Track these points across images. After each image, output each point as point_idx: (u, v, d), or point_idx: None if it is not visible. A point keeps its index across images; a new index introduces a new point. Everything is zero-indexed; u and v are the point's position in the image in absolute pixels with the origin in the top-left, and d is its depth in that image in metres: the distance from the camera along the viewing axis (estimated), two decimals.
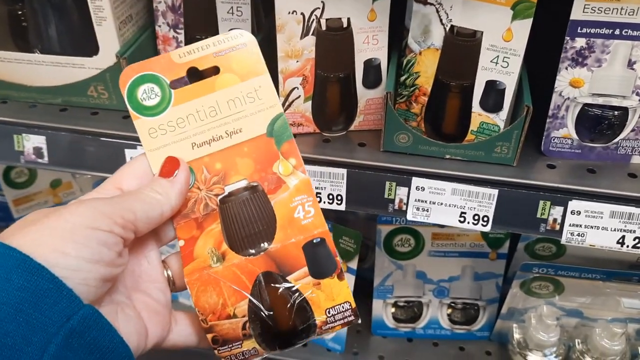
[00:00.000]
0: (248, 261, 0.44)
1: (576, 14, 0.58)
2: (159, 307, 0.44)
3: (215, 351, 0.44)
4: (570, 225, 0.64)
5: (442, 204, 0.66)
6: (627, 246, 0.64)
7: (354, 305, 0.44)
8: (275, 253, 0.44)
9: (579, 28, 0.59)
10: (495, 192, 0.64)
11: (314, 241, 0.44)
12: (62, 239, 0.36)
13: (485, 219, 0.66)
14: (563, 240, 0.65)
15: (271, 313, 0.44)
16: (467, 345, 0.98)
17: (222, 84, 0.45)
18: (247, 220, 0.45)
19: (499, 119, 0.64)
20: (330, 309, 0.44)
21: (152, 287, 0.44)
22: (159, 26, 0.73)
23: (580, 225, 0.64)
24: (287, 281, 0.44)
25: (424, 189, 0.66)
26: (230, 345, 0.44)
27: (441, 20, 0.62)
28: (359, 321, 0.45)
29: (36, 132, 0.71)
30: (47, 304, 0.34)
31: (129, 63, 0.69)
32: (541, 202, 0.64)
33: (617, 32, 0.59)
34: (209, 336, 0.44)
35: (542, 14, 0.59)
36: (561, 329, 0.89)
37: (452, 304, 0.97)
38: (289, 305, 0.44)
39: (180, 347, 0.45)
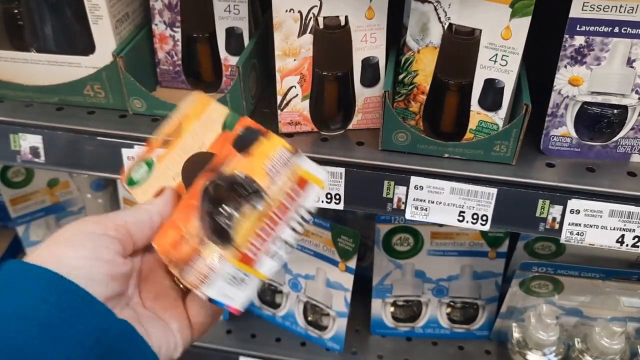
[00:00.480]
0: (191, 188, 0.45)
1: (575, 11, 0.58)
2: (180, 310, 0.46)
3: (183, 281, 0.43)
4: (569, 224, 0.64)
5: (440, 203, 0.66)
6: (627, 245, 0.64)
7: (288, 145, 0.43)
8: (212, 166, 0.45)
9: (578, 26, 0.58)
10: (494, 191, 0.64)
11: (239, 133, 0.45)
12: (62, 246, 0.39)
13: (484, 218, 0.66)
14: (562, 239, 0.64)
15: (224, 209, 0.43)
16: (467, 344, 0.97)
17: (186, 130, 0.49)
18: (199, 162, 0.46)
19: (498, 117, 0.64)
20: (268, 161, 0.43)
21: (172, 295, 0.46)
22: (156, 25, 0.72)
23: (580, 224, 0.64)
24: (221, 173, 0.44)
25: (422, 188, 0.65)
26: (192, 264, 0.43)
27: (439, 18, 0.61)
28: (301, 155, 0.43)
29: (33, 132, 0.71)
30: (81, 321, 0.36)
31: (125, 62, 0.68)
32: (540, 201, 0.63)
33: (616, 30, 0.58)
34: (175, 272, 0.43)
35: (540, 12, 0.58)
36: (560, 328, 0.88)
37: (452, 303, 0.97)
38: (223, 190, 0.43)
39: (205, 330, 0.47)
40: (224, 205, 0.43)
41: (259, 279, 0.43)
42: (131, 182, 0.50)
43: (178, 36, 0.72)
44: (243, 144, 0.44)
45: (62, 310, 0.35)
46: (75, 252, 0.39)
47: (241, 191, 0.43)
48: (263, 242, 0.43)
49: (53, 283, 0.36)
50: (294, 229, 0.43)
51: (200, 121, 0.48)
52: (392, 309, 0.97)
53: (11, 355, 0.34)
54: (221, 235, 0.43)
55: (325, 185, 0.42)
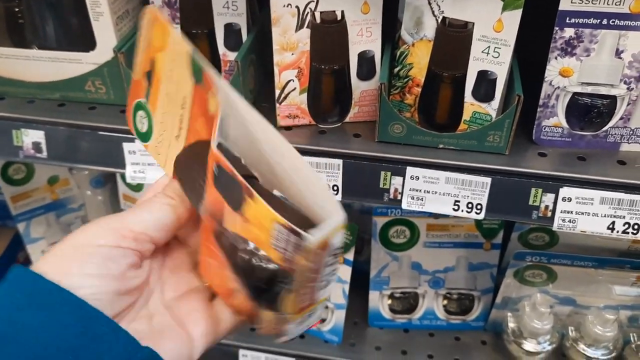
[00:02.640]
0: (203, 234, 0.39)
1: (564, 4, 0.59)
2: (203, 313, 0.42)
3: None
4: (561, 211, 0.65)
5: (436, 192, 0.67)
6: (617, 232, 0.66)
7: (283, 221, 0.32)
8: (207, 206, 0.38)
9: (568, 18, 0.60)
10: (488, 180, 0.66)
11: (215, 173, 0.36)
12: (67, 260, 0.37)
13: (479, 207, 0.67)
14: (555, 227, 0.66)
15: (239, 275, 0.37)
16: (463, 335, 0.99)
17: (158, 65, 0.42)
18: (196, 171, 0.40)
19: (491, 108, 0.65)
20: (272, 239, 0.34)
21: (193, 296, 0.42)
22: None
23: (572, 212, 0.65)
24: (226, 230, 0.36)
25: (418, 178, 0.67)
26: (256, 319, 0.39)
27: (433, 12, 0.63)
28: (311, 240, 0.32)
29: (35, 127, 0.72)
30: (105, 349, 0.34)
31: (126, 58, 0.70)
32: (533, 190, 0.65)
33: (604, 22, 0.60)
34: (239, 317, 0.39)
35: (531, 5, 0.60)
36: (554, 317, 0.90)
37: (448, 295, 0.99)
38: (240, 260, 0.37)
39: (232, 332, 0.43)
40: (254, 279, 0.36)
41: (321, 304, 0.40)
42: (140, 136, 0.45)
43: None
44: (228, 194, 0.36)
45: (86, 337, 0.34)
46: (81, 268, 0.36)
47: (264, 266, 0.35)
48: (311, 295, 0.38)
49: (75, 309, 0.34)
50: (333, 270, 0.38)
51: (168, 55, 0.41)
52: (389, 301, 0.99)
53: None
54: (270, 304, 0.37)
55: (345, 223, 0.34)
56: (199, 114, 0.40)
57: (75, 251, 0.37)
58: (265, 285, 0.36)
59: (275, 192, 0.38)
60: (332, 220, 0.33)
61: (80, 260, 0.36)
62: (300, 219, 0.34)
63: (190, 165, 0.40)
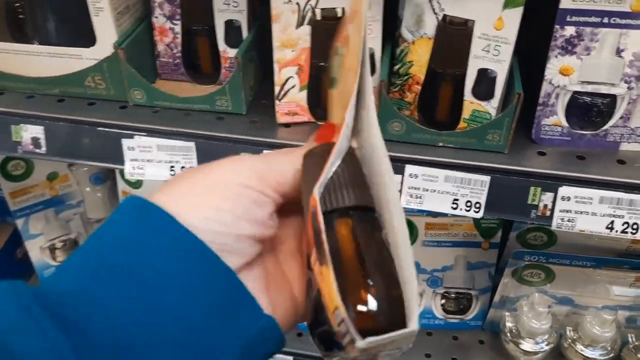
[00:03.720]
0: (304, 235, 0.38)
1: (565, 2, 0.59)
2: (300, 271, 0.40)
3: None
4: (560, 211, 0.65)
5: (435, 190, 0.67)
6: (616, 231, 0.66)
7: (343, 313, 0.29)
8: (306, 226, 0.36)
9: (568, 16, 0.60)
10: (487, 178, 0.66)
11: (312, 211, 0.33)
12: (215, 195, 0.34)
13: (478, 205, 0.67)
14: (554, 226, 0.66)
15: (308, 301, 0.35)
16: (461, 334, 0.99)
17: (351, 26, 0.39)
18: (314, 180, 0.36)
19: (491, 106, 0.65)
20: (334, 314, 0.30)
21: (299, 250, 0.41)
22: (156, 17, 0.74)
23: (570, 211, 0.65)
24: (309, 265, 0.34)
25: (417, 176, 0.67)
26: None
27: (434, 9, 0.63)
28: (360, 344, 0.28)
29: (34, 123, 0.72)
30: (233, 312, 0.33)
31: (126, 54, 0.69)
32: (532, 189, 0.65)
33: (605, 20, 0.60)
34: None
35: (532, 3, 0.60)
36: (552, 317, 0.90)
37: (446, 294, 0.98)
38: (312, 302, 0.34)
39: None
40: (317, 321, 0.33)
41: None
42: (331, 82, 0.43)
43: (178, 29, 0.74)
44: (316, 240, 0.32)
45: (216, 297, 0.32)
46: (232, 207, 0.34)
47: (326, 320, 0.31)
48: None
49: (210, 265, 0.32)
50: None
51: (354, 26, 0.38)
52: None
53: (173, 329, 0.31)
54: (320, 346, 0.34)
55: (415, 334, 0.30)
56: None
57: (223, 188, 0.35)
58: (318, 334, 0.34)
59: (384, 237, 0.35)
60: (399, 332, 0.29)
61: (228, 198, 0.34)
62: (380, 293, 0.31)
63: (311, 170, 0.36)
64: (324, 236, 0.31)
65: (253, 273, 0.37)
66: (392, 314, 0.30)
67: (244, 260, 0.35)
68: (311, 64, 0.67)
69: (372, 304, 0.30)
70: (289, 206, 0.40)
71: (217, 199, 0.34)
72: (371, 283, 0.31)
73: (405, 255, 0.32)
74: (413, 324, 0.29)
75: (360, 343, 0.28)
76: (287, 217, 0.41)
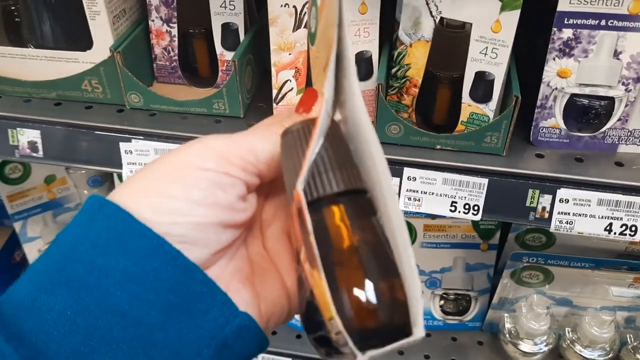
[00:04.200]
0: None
1: (563, 5, 0.59)
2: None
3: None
4: (558, 213, 0.65)
5: (433, 193, 0.67)
6: (615, 233, 0.66)
7: (339, 326, 0.27)
8: (291, 215, 0.32)
9: (566, 19, 0.60)
10: (485, 181, 0.65)
11: (297, 207, 0.30)
12: (168, 182, 0.31)
13: (476, 208, 0.67)
14: (552, 228, 0.66)
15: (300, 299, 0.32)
16: (460, 335, 0.99)
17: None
18: (295, 162, 0.33)
19: (489, 109, 0.65)
20: (330, 322, 0.28)
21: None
22: (152, 20, 0.73)
23: (569, 213, 0.65)
24: (299, 260, 0.31)
25: (415, 179, 0.67)
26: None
27: (431, 12, 0.63)
28: (361, 358, 0.27)
29: (31, 127, 0.72)
30: (200, 311, 0.30)
31: (123, 57, 0.69)
32: (530, 191, 0.65)
33: (602, 22, 0.60)
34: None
35: (529, 6, 0.60)
36: (551, 318, 0.90)
37: (444, 295, 0.98)
38: (305, 303, 0.31)
39: None
40: (310, 320, 0.31)
41: None
42: (310, 36, 0.40)
43: (174, 32, 0.74)
44: (305, 240, 0.29)
45: (179, 294, 0.29)
46: (186, 192, 0.31)
47: (321, 324, 0.28)
48: None
49: (171, 261, 0.29)
50: None
51: None
52: None
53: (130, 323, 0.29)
54: (314, 344, 0.32)
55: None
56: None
57: (177, 173, 0.31)
58: (315, 339, 0.31)
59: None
60: (403, 342, 0.27)
61: (184, 183, 0.31)
62: (379, 290, 0.29)
63: (291, 151, 0.33)
64: (312, 239, 0.28)
65: (229, 264, 0.34)
66: (393, 310, 0.28)
67: (211, 250, 0.32)
68: (308, 67, 0.67)
69: (371, 302, 0.28)
70: (275, 185, 0.37)
71: (171, 186, 0.31)
72: (369, 279, 0.28)
73: (405, 249, 0.29)
74: (418, 331, 0.27)
75: (361, 357, 0.27)
76: (273, 197, 0.38)
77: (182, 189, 0.31)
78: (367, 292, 0.28)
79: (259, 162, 0.34)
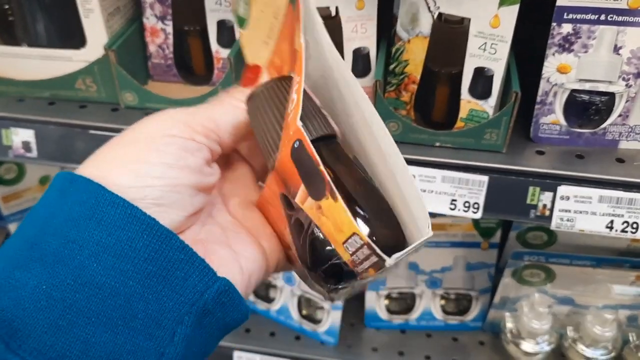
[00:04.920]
0: (269, 179, 0.35)
1: None
2: (262, 220, 0.38)
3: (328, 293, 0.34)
4: (559, 210, 0.64)
5: (432, 191, 0.66)
6: (616, 230, 0.65)
7: (364, 238, 0.29)
8: (278, 166, 0.34)
9: (565, 14, 0.59)
10: (485, 178, 0.65)
11: (295, 145, 0.31)
12: (140, 149, 0.32)
13: (476, 205, 0.66)
14: (553, 226, 0.65)
15: (294, 249, 0.34)
16: (461, 335, 0.98)
17: None
18: (265, 121, 0.35)
19: (488, 105, 0.64)
20: (346, 244, 0.30)
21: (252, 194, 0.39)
22: (147, 18, 0.72)
23: (570, 211, 0.64)
24: (296, 203, 0.32)
25: (414, 177, 0.66)
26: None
27: (429, 7, 0.62)
28: (389, 262, 0.29)
29: (24, 126, 0.71)
30: (178, 278, 0.30)
31: (117, 55, 0.68)
32: (531, 188, 0.64)
33: (602, 17, 0.59)
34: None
35: (528, 0, 0.59)
36: (553, 317, 0.89)
37: (445, 295, 0.98)
38: (301, 242, 0.33)
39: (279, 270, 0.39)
40: (316, 261, 0.33)
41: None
42: (239, 20, 0.41)
43: (169, 29, 0.73)
44: (306, 177, 0.31)
45: (156, 263, 0.29)
46: (160, 157, 0.32)
47: (329, 256, 0.31)
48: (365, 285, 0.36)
49: (145, 229, 0.29)
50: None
51: None
52: (386, 301, 0.98)
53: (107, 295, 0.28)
54: (320, 283, 0.34)
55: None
56: (286, 38, 0.36)
57: (150, 140, 0.32)
58: (324, 271, 0.33)
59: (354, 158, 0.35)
60: (418, 241, 0.30)
61: (155, 149, 0.32)
62: (379, 211, 0.32)
63: (264, 109, 0.35)
64: (322, 167, 0.29)
65: (203, 229, 0.35)
66: (396, 225, 0.32)
67: (186, 213, 0.33)
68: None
69: (381, 219, 0.31)
70: (229, 161, 0.39)
71: (143, 152, 0.32)
72: (366, 209, 0.31)
73: (403, 170, 0.33)
74: (427, 228, 0.31)
75: (389, 260, 0.29)
76: (228, 172, 0.39)
77: (154, 153, 0.32)
78: (371, 222, 0.31)
79: (219, 130, 0.35)
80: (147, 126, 0.34)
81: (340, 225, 0.29)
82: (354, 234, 0.29)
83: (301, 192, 0.31)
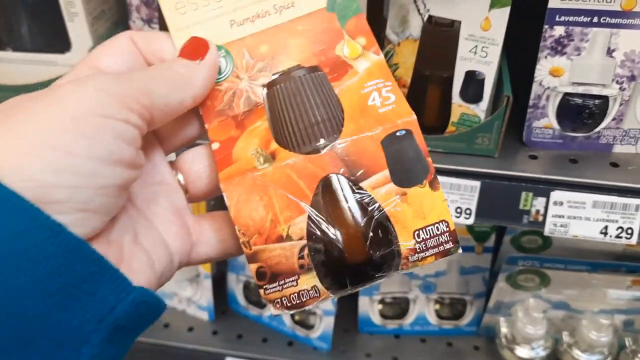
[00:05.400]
0: (308, 160, 0.33)
1: (554, 1, 0.57)
2: (172, 216, 0.34)
3: (261, 290, 0.33)
4: (553, 216, 0.63)
5: None
6: (610, 236, 0.64)
7: (452, 226, 0.32)
8: (344, 150, 0.33)
9: (557, 16, 0.58)
10: (477, 184, 0.64)
11: (397, 134, 0.33)
12: (65, 132, 0.25)
13: (468, 211, 0.65)
14: (546, 232, 0.64)
15: (339, 234, 0.32)
16: (455, 340, 0.97)
17: None
18: (304, 106, 0.34)
19: (480, 109, 0.63)
20: (420, 231, 0.32)
21: (160, 191, 0.34)
22: (133, 21, 0.71)
23: (563, 216, 0.63)
24: (361, 189, 0.33)
25: None
26: (282, 282, 0.33)
27: (419, 10, 0.61)
28: (460, 251, 0.33)
29: None
30: (86, 293, 0.25)
31: None
32: (524, 194, 0.63)
33: (595, 19, 0.58)
34: (253, 267, 0.32)
35: (520, 2, 0.58)
36: (548, 322, 0.88)
37: (439, 299, 0.96)
38: (364, 224, 0.32)
39: (208, 260, 0.36)
40: (344, 231, 0.33)
41: None
42: None
43: None
44: (403, 173, 0.32)
45: (61, 279, 0.25)
46: (90, 148, 0.26)
47: (375, 234, 0.33)
48: None
49: (51, 237, 0.24)
50: None
51: None
52: (379, 306, 0.97)
53: None
54: (328, 264, 0.33)
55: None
56: (304, 35, 0.35)
57: (73, 121, 0.25)
58: (383, 258, 0.33)
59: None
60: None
61: (85, 136, 0.25)
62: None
63: (301, 97, 0.34)
64: (429, 158, 0.33)
65: (116, 228, 0.30)
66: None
67: (111, 216, 0.28)
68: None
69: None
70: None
71: (66, 138, 0.25)
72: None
73: None
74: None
75: (460, 250, 0.33)
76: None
77: (83, 141, 0.25)
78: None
79: (153, 108, 0.29)
80: (69, 97, 0.26)
81: (425, 212, 0.32)
82: (442, 220, 0.32)
83: (380, 177, 0.32)
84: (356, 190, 0.33)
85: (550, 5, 0.58)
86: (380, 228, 0.32)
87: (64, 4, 0.65)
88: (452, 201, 0.65)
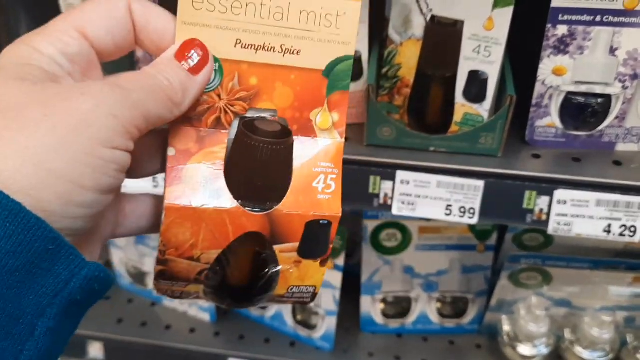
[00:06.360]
0: (244, 214, 0.36)
1: (557, 1, 0.57)
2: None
3: (155, 281, 0.38)
4: (556, 215, 0.63)
5: (427, 197, 0.65)
6: (614, 234, 0.64)
7: (318, 289, 0.40)
8: (275, 216, 0.37)
9: (560, 15, 0.58)
10: (480, 183, 0.64)
11: (321, 222, 0.37)
12: (69, 162, 0.27)
13: (472, 211, 0.65)
14: (550, 231, 0.64)
15: (236, 272, 0.39)
16: (457, 339, 0.97)
17: None
18: (266, 169, 0.37)
19: (483, 109, 0.63)
20: (294, 287, 0.39)
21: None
22: None
23: (567, 215, 0.63)
24: (271, 250, 0.38)
25: (409, 183, 0.65)
26: (174, 283, 0.38)
27: (421, 10, 0.61)
28: (311, 303, 0.42)
29: None
30: (42, 269, 0.27)
31: None
32: (527, 193, 0.63)
33: (598, 18, 0.58)
34: (158, 268, 0.37)
35: (523, 2, 0.58)
36: (550, 320, 0.88)
37: (441, 298, 0.97)
38: (261, 274, 0.39)
39: (130, 234, 0.38)
40: (241, 272, 0.40)
41: None
42: None
43: None
44: (308, 249, 0.38)
45: (19, 258, 0.26)
46: (96, 181, 0.27)
47: (264, 282, 0.39)
48: None
49: (8, 217, 0.25)
50: None
51: (324, 4, 0.36)
52: (381, 305, 0.97)
53: None
54: (217, 287, 0.40)
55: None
56: (293, 85, 0.36)
57: (80, 151, 0.27)
58: (253, 293, 0.39)
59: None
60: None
61: (93, 168, 0.27)
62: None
63: (260, 159, 0.37)
64: (332, 246, 0.39)
65: None
66: None
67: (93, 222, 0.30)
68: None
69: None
70: None
71: (75, 169, 0.27)
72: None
73: None
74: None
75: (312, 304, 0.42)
76: None
77: (91, 176, 0.27)
78: None
79: (146, 127, 0.30)
80: (80, 128, 0.27)
81: (305, 278, 0.39)
82: (313, 286, 0.39)
83: (290, 246, 0.37)
84: (267, 249, 0.38)
85: (553, 4, 0.58)
86: (269, 280, 0.39)
87: (64, 4, 0.65)
88: (456, 201, 0.65)
